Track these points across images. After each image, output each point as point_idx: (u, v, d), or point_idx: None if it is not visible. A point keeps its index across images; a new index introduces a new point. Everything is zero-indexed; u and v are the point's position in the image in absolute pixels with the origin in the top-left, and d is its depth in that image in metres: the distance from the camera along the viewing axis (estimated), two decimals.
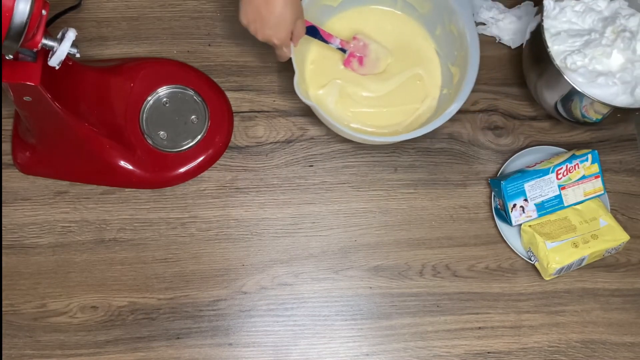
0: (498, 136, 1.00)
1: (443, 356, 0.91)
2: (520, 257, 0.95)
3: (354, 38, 0.95)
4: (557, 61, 0.89)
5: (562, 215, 0.94)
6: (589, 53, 0.90)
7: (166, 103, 0.96)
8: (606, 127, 1.01)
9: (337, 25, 0.98)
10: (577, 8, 0.94)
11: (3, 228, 0.91)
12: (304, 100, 0.85)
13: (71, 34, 0.73)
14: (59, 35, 0.73)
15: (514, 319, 0.93)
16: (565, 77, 0.87)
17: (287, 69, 0.97)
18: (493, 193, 0.96)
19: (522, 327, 0.93)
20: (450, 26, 0.93)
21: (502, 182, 0.92)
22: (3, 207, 0.92)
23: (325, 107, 0.95)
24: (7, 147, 0.94)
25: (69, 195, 0.93)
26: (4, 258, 0.90)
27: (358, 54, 0.95)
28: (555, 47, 0.92)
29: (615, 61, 0.91)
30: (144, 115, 0.95)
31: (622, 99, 0.89)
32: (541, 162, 0.96)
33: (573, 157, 0.94)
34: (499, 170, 0.98)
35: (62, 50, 0.72)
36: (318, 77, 0.97)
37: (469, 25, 0.90)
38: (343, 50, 0.95)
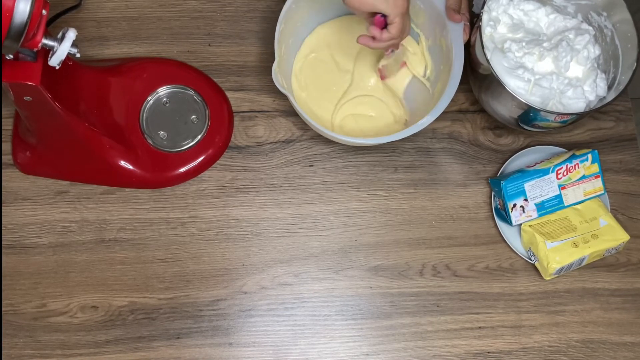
0: (498, 136, 1.00)
1: (443, 356, 0.91)
2: (520, 257, 0.95)
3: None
4: (489, 39, 0.90)
5: (562, 215, 0.94)
6: (527, 48, 0.91)
7: (166, 103, 0.96)
8: (605, 127, 1.02)
9: (328, 28, 0.98)
10: (548, 9, 0.95)
11: (3, 228, 0.91)
12: (279, 88, 0.85)
13: (71, 34, 0.73)
14: (59, 35, 0.73)
15: (514, 319, 0.93)
16: (485, 51, 0.86)
17: None
18: (493, 193, 0.96)
19: (522, 327, 0.93)
20: (441, 40, 0.92)
21: (502, 181, 0.92)
22: (3, 207, 0.92)
23: (301, 100, 0.95)
24: (7, 147, 0.94)
25: (69, 195, 0.93)
26: (4, 258, 0.90)
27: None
28: (500, 29, 0.93)
29: (544, 66, 0.91)
30: (144, 115, 0.95)
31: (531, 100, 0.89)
32: (541, 162, 0.96)
33: (573, 156, 0.94)
34: (499, 170, 0.98)
35: (62, 50, 0.72)
36: (308, 69, 0.98)
37: (457, 42, 0.89)
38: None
